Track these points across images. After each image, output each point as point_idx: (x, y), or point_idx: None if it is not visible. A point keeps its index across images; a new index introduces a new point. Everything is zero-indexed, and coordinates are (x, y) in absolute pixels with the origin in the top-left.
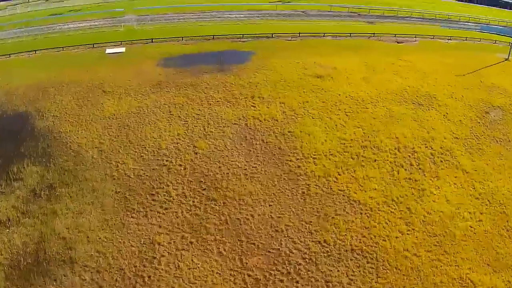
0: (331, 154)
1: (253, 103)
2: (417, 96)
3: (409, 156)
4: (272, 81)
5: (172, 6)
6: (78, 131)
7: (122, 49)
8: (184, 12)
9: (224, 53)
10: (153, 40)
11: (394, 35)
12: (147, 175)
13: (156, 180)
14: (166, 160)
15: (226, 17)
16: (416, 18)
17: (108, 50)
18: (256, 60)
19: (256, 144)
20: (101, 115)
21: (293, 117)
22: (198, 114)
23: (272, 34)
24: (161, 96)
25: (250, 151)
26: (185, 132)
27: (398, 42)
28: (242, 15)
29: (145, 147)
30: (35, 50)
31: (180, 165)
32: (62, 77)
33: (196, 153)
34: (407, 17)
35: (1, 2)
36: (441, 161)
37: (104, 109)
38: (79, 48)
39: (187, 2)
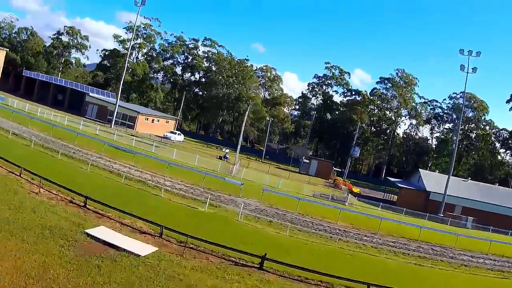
0: None
1: None
2: None
3: None
4: None
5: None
6: None
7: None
8: (359, 229)
9: None
10: (264, 261)
11: None
12: None
13: None
14: None
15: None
16: None
17: (135, 248)
18: None
19: None
20: None
21: None
22: None
23: None
24: None
25: None
26: None
27: None
28: (505, 264)
29: None
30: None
31: None
32: None
33: None
34: None
35: (110, 125)
36: None
37: None
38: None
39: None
